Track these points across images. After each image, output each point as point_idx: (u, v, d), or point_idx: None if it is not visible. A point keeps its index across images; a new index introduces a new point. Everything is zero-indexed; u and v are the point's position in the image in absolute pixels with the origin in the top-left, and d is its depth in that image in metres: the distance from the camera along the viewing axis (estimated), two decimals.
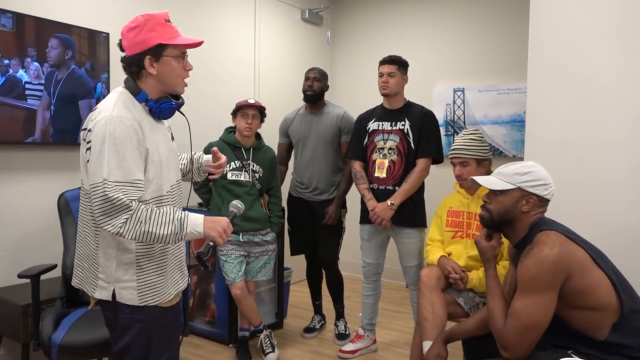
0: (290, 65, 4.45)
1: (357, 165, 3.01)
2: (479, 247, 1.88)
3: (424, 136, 2.86)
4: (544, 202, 1.74)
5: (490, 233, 1.86)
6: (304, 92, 3.26)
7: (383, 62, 2.92)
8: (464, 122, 4.23)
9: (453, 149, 2.51)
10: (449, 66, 4.36)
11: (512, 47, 4.00)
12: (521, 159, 3.72)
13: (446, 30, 4.38)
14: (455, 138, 2.57)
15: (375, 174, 2.92)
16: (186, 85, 1.67)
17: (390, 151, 2.89)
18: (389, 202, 2.83)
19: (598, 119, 2.21)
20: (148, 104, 1.59)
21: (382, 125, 2.95)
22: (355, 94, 4.80)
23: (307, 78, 3.26)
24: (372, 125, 2.98)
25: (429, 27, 4.46)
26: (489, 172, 2.45)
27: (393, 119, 2.93)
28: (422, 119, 2.87)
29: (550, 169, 1.78)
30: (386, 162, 2.89)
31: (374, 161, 2.93)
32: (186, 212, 1.60)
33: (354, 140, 3.06)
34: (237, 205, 1.81)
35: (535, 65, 2.36)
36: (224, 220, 1.62)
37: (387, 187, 2.89)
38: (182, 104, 1.69)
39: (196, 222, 1.57)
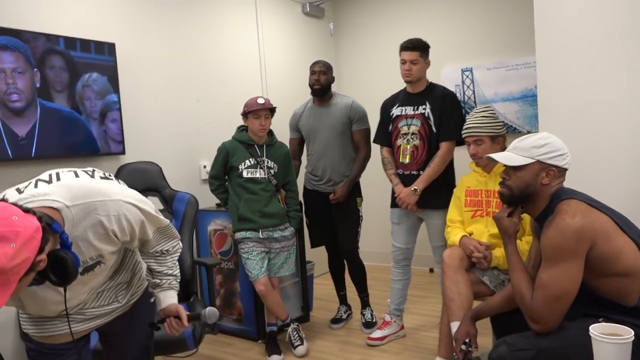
0: (295, 59, 4.46)
1: (384, 152, 3.03)
2: (501, 224, 1.86)
3: (445, 119, 2.83)
4: (562, 172, 1.72)
5: (511, 209, 1.85)
6: (311, 86, 3.26)
7: (405, 49, 2.87)
8: (475, 102, 4.19)
9: (466, 128, 2.50)
10: (455, 47, 4.32)
11: (517, 21, 3.95)
12: (536, 132, 3.69)
13: (448, 13, 4.34)
14: (467, 117, 2.55)
15: (400, 160, 2.93)
16: None
17: (413, 136, 2.89)
18: (412, 188, 2.84)
19: (611, 85, 2.18)
20: None
21: (405, 110, 2.94)
22: (361, 83, 4.79)
23: (313, 72, 3.26)
24: (396, 111, 2.97)
25: (431, 11, 4.43)
26: (503, 149, 2.42)
27: (415, 103, 2.91)
28: (442, 101, 2.85)
29: (565, 138, 1.76)
30: (409, 147, 2.89)
31: (399, 147, 2.94)
32: None
33: (380, 127, 3.07)
34: (207, 313, 1.64)
35: (542, 34, 2.33)
36: None
37: (412, 172, 2.90)
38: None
39: None
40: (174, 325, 1.60)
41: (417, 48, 2.86)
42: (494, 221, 1.90)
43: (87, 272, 1.39)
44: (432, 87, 2.95)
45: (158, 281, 1.64)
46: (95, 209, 1.31)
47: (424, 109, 2.87)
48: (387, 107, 3.04)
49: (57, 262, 1.20)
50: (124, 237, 1.40)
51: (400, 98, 2.99)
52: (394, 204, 3.00)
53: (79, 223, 1.29)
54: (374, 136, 3.17)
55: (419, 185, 2.83)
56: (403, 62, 2.88)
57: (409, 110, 2.92)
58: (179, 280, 1.68)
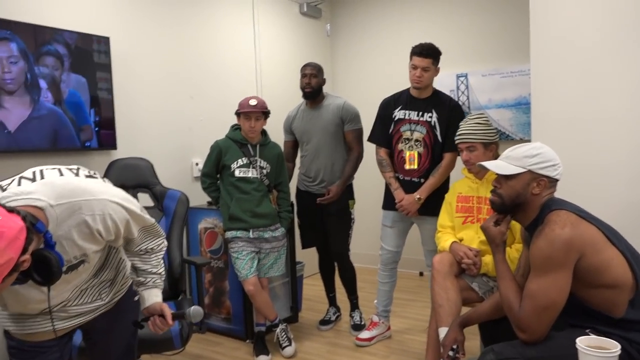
0: (291, 59, 4.44)
1: (382, 153, 3.00)
2: (487, 233, 1.86)
3: (452, 130, 2.76)
4: (553, 182, 1.73)
5: (499, 218, 1.85)
6: (302, 89, 3.26)
7: (418, 54, 2.80)
8: (469, 108, 4.21)
9: (459, 134, 2.50)
10: (451, 52, 4.27)
11: (514, 29, 3.96)
12: (528, 141, 3.71)
13: (445, 17, 4.34)
14: (461, 123, 2.56)
15: (407, 167, 2.91)
16: None
17: (416, 143, 2.87)
18: (416, 196, 2.84)
19: (604, 95, 2.19)
20: None
21: (409, 114, 2.90)
22: (357, 85, 4.78)
23: (303, 75, 3.24)
24: (399, 114, 2.94)
25: (428, 15, 4.43)
26: (496, 156, 2.43)
27: (420, 108, 2.88)
28: (451, 112, 2.83)
29: (558, 148, 1.77)
30: (415, 154, 2.88)
31: (400, 151, 2.92)
32: None
33: (379, 127, 3.03)
34: (191, 312, 1.64)
35: (537, 43, 2.34)
36: None
37: (413, 179, 2.89)
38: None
39: None
40: (158, 324, 1.59)
41: (430, 55, 2.80)
42: (482, 230, 1.91)
43: (70, 270, 1.38)
44: (437, 94, 2.92)
45: (142, 279, 1.63)
46: (80, 208, 1.30)
47: (430, 117, 2.85)
48: (388, 107, 2.99)
49: (41, 262, 1.19)
50: (109, 237, 1.39)
51: (403, 100, 2.95)
52: (388, 206, 2.99)
53: (63, 222, 1.28)
54: (369, 134, 3.14)
55: (422, 194, 2.83)
56: (414, 67, 2.81)
57: (413, 115, 2.89)
58: (163, 279, 1.67)
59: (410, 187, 2.88)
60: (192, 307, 1.64)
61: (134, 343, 1.77)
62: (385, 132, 2.98)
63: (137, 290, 1.65)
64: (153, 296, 1.63)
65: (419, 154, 2.87)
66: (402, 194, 2.89)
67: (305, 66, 3.27)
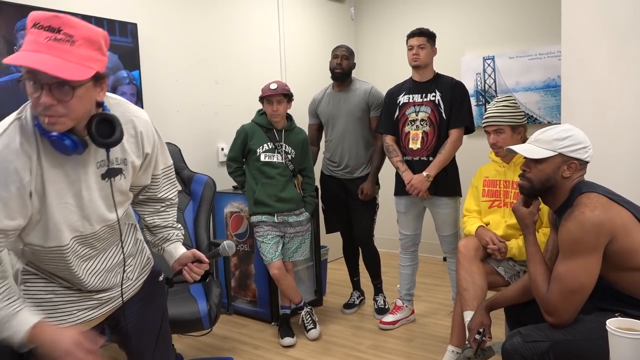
0: (315, 44, 4.43)
1: (388, 139, 3.03)
2: (517, 214, 1.85)
3: (456, 106, 2.86)
4: (584, 165, 1.70)
5: (528, 200, 1.84)
6: (332, 70, 3.25)
7: (412, 35, 2.93)
8: (495, 91, 4.14)
9: (486, 117, 2.47)
10: (477, 35, 4.25)
11: (543, 8, 3.87)
12: (557, 124, 3.64)
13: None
14: (488, 106, 2.52)
15: (410, 146, 2.94)
16: (47, 123, 1.17)
17: (422, 122, 2.90)
18: (425, 174, 2.85)
19: (638, 77, 2.13)
20: (41, 132, 1.21)
21: (413, 97, 2.95)
22: (381, 69, 4.75)
23: (335, 56, 3.24)
24: (403, 99, 2.98)
25: None
26: (524, 139, 2.40)
27: (423, 90, 2.93)
28: (453, 89, 2.88)
29: (588, 130, 1.74)
30: (420, 133, 2.89)
31: (407, 133, 2.95)
32: (18, 310, 1.23)
33: (385, 115, 3.07)
34: (226, 246, 1.62)
35: (569, 22, 2.28)
36: (68, 337, 1.23)
37: (422, 158, 2.91)
38: (99, 142, 1.27)
39: (19, 328, 1.21)
40: (195, 269, 1.59)
41: (424, 34, 2.91)
42: (513, 212, 1.89)
43: (108, 176, 1.37)
44: (439, 76, 2.97)
45: (166, 235, 1.65)
46: (128, 108, 1.41)
47: (434, 96, 2.90)
48: (392, 95, 3.05)
49: (105, 121, 1.26)
50: (148, 148, 1.44)
51: (407, 87, 3.01)
52: (400, 191, 3.02)
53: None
54: (375, 126, 3.17)
55: (431, 171, 2.85)
56: (410, 47, 2.92)
57: (417, 97, 2.94)
58: (183, 233, 1.71)
59: (420, 166, 2.91)
60: (225, 242, 1.64)
61: (167, 327, 1.72)
62: (391, 119, 3.02)
63: (163, 247, 1.65)
64: (179, 249, 1.65)
65: (426, 133, 2.89)
66: (411, 174, 2.91)
67: (337, 47, 3.27)
